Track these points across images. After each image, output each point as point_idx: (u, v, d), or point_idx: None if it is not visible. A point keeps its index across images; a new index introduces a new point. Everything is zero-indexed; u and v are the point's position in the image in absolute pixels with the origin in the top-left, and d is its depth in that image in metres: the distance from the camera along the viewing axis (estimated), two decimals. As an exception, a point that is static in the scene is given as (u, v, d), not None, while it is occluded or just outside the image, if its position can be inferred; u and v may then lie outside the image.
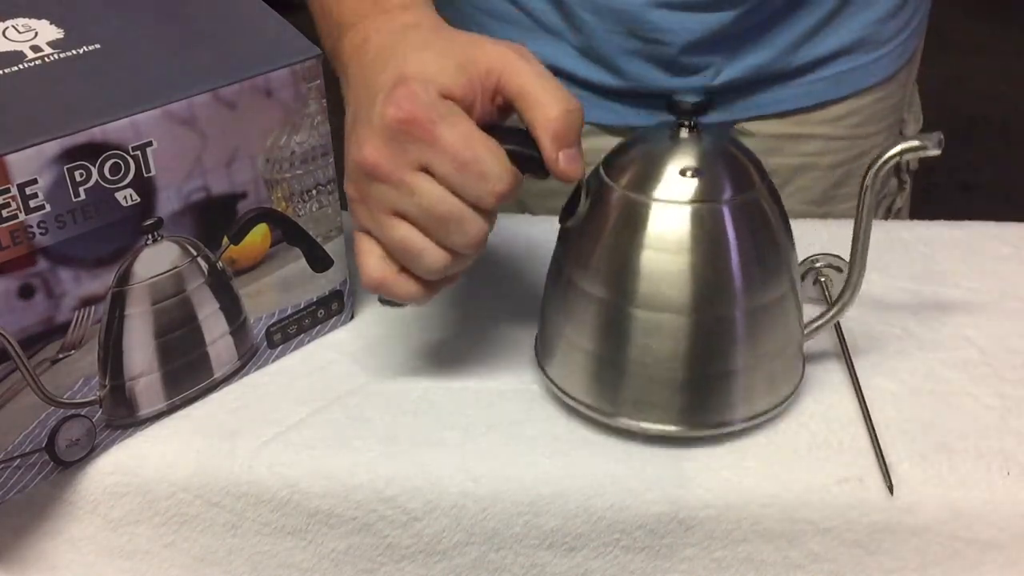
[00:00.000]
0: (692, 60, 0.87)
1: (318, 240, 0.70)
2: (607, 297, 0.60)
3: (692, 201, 0.59)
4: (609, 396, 0.62)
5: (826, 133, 0.92)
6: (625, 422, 0.62)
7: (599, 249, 0.60)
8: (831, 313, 0.65)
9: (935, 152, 0.60)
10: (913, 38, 0.95)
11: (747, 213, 0.60)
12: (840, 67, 0.90)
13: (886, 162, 0.60)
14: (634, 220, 0.59)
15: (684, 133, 0.60)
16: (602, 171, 0.61)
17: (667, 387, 0.60)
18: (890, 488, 0.59)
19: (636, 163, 0.61)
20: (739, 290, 0.59)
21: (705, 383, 0.61)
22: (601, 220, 0.60)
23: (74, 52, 0.60)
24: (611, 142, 0.97)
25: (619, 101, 0.90)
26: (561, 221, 0.63)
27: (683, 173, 0.59)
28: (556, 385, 0.64)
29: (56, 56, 0.59)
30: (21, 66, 0.58)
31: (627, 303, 0.60)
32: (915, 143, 0.60)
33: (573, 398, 0.63)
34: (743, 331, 0.60)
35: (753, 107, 0.90)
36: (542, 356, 0.66)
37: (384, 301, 0.64)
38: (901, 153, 0.60)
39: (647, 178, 0.59)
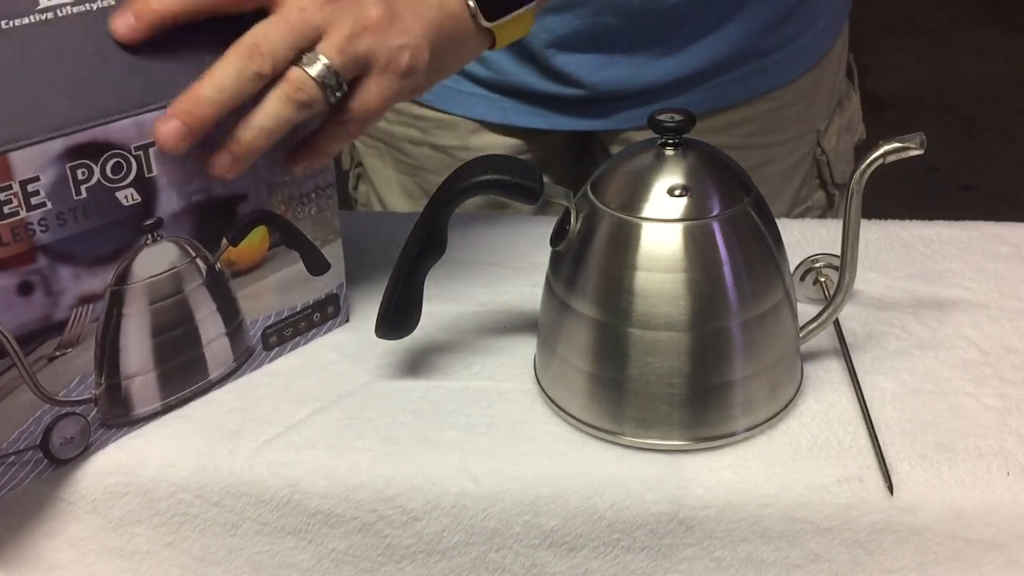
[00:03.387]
0: (558, 61, 0.86)
1: (316, 244, 0.70)
2: (604, 318, 0.61)
3: (682, 219, 0.59)
4: (611, 415, 0.62)
5: (713, 142, 0.92)
6: (628, 440, 0.62)
7: (593, 271, 0.61)
8: (824, 316, 0.65)
9: (918, 152, 0.60)
10: (816, 43, 0.93)
11: (737, 227, 0.60)
12: (716, 80, 0.89)
13: (870, 164, 0.61)
14: (626, 241, 0.60)
15: (669, 151, 0.61)
16: (591, 193, 0.62)
17: (669, 404, 0.61)
18: (890, 488, 0.59)
19: (624, 184, 0.61)
20: (734, 303, 0.60)
21: (706, 397, 0.61)
22: (593, 242, 0.61)
23: None
24: (492, 140, 0.94)
25: (493, 93, 0.90)
26: (552, 244, 0.64)
27: (671, 192, 0.59)
28: (558, 405, 0.64)
29: None
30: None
31: (625, 323, 0.60)
32: (897, 144, 0.60)
33: (575, 418, 0.63)
34: (741, 343, 0.61)
35: (636, 116, 0.89)
36: (542, 376, 0.66)
37: (382, 335, 0.65)
38: (884, 155, 0.60)
39: (636, 198, 0.60)
